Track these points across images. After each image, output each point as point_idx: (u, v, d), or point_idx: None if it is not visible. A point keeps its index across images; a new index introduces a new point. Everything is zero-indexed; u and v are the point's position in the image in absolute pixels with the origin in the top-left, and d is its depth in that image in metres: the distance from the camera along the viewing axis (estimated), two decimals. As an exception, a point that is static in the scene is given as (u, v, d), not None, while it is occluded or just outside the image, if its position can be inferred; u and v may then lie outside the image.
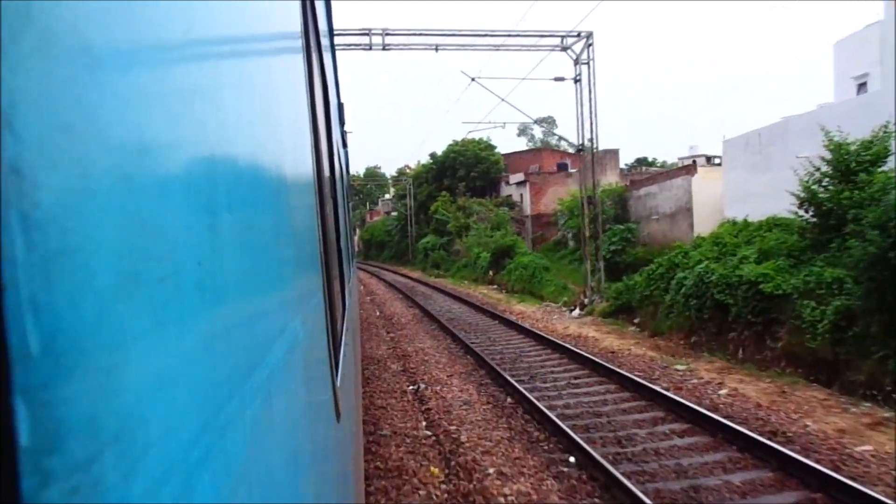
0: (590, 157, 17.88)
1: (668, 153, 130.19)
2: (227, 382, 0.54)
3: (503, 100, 18.00)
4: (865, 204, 10.05)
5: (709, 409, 7.88)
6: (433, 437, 7.64)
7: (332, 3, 4.46)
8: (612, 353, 12.01)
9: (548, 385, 9.95)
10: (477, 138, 42.46)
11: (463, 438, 7.45)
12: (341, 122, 7.50)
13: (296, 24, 1.43)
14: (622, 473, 5.97)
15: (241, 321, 0.63)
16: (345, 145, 8.67)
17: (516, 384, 9.59)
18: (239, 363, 0.59)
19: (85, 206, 0.31)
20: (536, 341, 13.65)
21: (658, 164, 60.66)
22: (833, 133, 12.05)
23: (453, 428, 7.86)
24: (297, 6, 1.49)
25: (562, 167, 39.53)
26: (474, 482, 6.13)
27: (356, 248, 58.01)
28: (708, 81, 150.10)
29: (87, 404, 0.30)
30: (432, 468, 6.57)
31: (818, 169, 12.03)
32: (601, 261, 18.29)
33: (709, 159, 37.96)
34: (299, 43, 1.48)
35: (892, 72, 14.39)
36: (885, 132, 11.71)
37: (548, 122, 74.33)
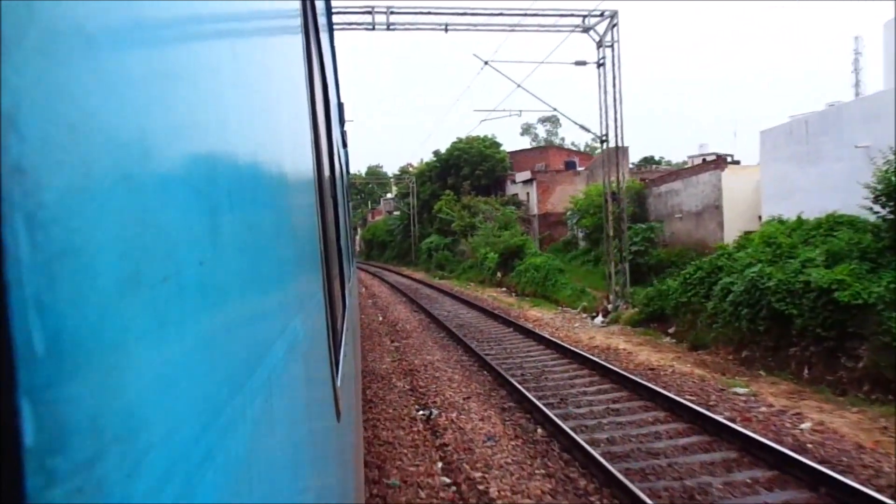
0: (614, 148, 16.22)
1: (672, 151, 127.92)
2: (228, 382, 0.54)
3: (519, 85, 16.34)
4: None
5: (795, 451, 6.30)
6: (453, 490, 5.99)
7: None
8: (652, 369, 10.40)
9: (583, 411, 8.37)
10: (482, 136, 41.01)
11: (493, 492, 5.82)
12: (341, 122, 7.47)
13: (296, 23, 1.44)
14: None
15: (242, 321, 0.63)
16: (345, 145, 8.57)
17: (546, 409, 8.04)
18: (240, 363, 0.59)
19: (88, 205, 0.31)
20: (560, 353, 12.06)
21: (664, 164, 58.96)
22: None
23: (478, 475, 6.21)
24: (297, 5, 1.50)
25: (569, 165, 38.02)
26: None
27: (357, 248, 57.31)
28: (710, 77, 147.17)
29: (91, 404, 0.30)
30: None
31: None
32: (626, 262, 16.58)
33: (720, 158, 36.20)
34: (300, 43, 1.49)
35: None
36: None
37: (551, 122, 73.17)
